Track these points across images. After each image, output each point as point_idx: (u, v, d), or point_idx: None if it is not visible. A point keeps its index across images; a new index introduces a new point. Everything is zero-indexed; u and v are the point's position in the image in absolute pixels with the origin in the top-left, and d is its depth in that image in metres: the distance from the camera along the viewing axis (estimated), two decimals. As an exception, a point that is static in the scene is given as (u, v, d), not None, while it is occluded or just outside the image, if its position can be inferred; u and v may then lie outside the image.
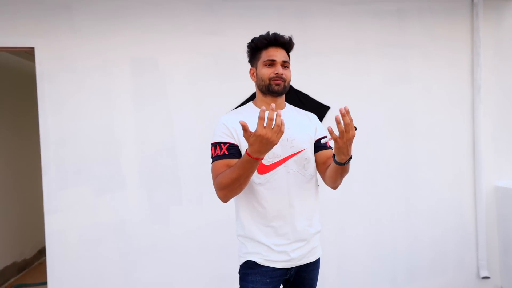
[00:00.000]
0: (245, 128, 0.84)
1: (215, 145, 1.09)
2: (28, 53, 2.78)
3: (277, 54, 1.11)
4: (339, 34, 2.38)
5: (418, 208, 2.51)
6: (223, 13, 2.22)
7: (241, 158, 0.94)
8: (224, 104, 2.17)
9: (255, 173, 1.07)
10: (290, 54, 1.20)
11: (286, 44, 1.14)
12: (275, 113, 0.83)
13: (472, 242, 2.61)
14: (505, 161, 2.63)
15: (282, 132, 0.85)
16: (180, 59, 2.20)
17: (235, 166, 0.96)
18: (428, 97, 2.52)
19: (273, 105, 0.82)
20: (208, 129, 2.20)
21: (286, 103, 1.21)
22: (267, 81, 1.10)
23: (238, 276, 1.20)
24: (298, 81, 2.21)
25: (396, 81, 2.41)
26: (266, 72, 1.10)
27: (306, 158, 1.12)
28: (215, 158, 1.08)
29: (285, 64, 1.12)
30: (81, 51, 2.10)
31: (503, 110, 2.60)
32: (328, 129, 0.88)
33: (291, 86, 2.35)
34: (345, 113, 0.87)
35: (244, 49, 1.21)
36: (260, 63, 1.13)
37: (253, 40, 1.15)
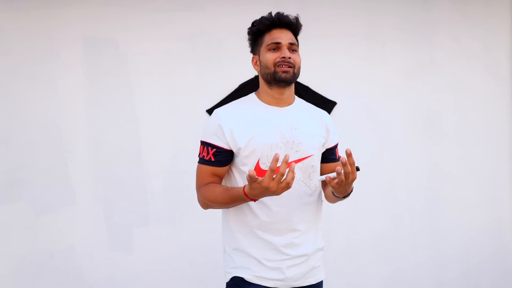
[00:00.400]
0: (252, 179, 0.86)
1: (203, 144, 1.11)
2: None
3: (282, 36, 1.09)
4: (348, 13, 2.23)
5: (445, 231, 2.36)
6: None
7: (235, 190, 1.00)
8: (203, 98, 2.09)
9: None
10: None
11: (292, 25, 1.12)
12: (288, 168, 0.86)
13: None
14: None
15: (289, 188, 0.89)
16: (148, 41, 2.05)
17: (226, 193, 1.02)
18: (458, 91, 2.37)
19: (287, 156, 0.85)
20: (183, 129, 2.12)
21: (296, 96, 1.18)
22: (272, 68, 1.07)
23: None
24: None
25: (418, 71, 2.29)
26: (270, 57, 1.07)
27: (312, 166, 1.10)
28: (200, 160, 1.11)
29: (293, 47, 1.10)
30: (18, 28, 1.93)
31: None
32: (337, 170, 0.90)
33: None
34: (346, 162, 0.89)
35: (229, 31, 1.28)
36: (263, 49, 1.10)
37: (253, 23, 1.13)
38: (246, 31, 1.17)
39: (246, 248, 1.09)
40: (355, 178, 0.94)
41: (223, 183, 1.15)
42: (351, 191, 1.02)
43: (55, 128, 1.95)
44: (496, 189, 2.40)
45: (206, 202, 1.07)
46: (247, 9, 2.09)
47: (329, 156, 1.16)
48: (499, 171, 2.40)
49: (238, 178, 1.10)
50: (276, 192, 0.87)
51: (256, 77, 1.28)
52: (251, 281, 1.08)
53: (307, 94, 2.14)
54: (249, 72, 1.87)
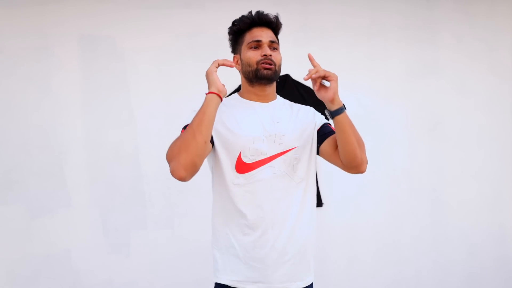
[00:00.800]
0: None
1: (184, 127, 1.06)
2: None
3: (263, 34, 1.11)
4: (350, 10, 2.23)
5: (448, 235, 2.36)
6: None
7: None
8: (202, 97, 1.99)
9: (234, 172, 1.07)
10: (287, 39, 1.27)
11: (272, 23, 1.14)
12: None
13: None
14: None
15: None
16: (145, 38, 2.04)
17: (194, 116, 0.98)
18: (462, 92, 2.37)
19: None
20: (180, 130, 2.04)
21: (278, 95, 1.20)
22: (254, 66, 1.08)
23: None
24: (297, 70, 2.06)
25: (420, 72, 2.29)
26: (252, 56, 1.09)
27: (296, 158, 1.10)
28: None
29: (273, 45, 1.11)
30: (11, 25, 1.91)
31: None
32: (309, 56, 1.00)
33: (289, 77, 2.13)
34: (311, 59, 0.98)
35: (227, 29, 1.18)
36: (244, 47, 1.12)
37: (233, 22, 1.16)
38: None
39: (229, 248, 1.08)
40: (324, 72, 0.95)
41: (211, 164, 1.11)
42: (344, 108, 1.00)
43: (50, 128, 1.92)
44: (499, 193, 2.40)
45: (176, 144, 0.96)
46: (246, 6, 2.11)
47: (324, 132, 1.15)
48: (502, 174, 2.40)
49: (224, 161, 1.06)
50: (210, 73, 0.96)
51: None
52: (233, 286, 1.06)
53: (308, 94, 2.13)
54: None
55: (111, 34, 1.97)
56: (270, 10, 2.35)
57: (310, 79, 0.97)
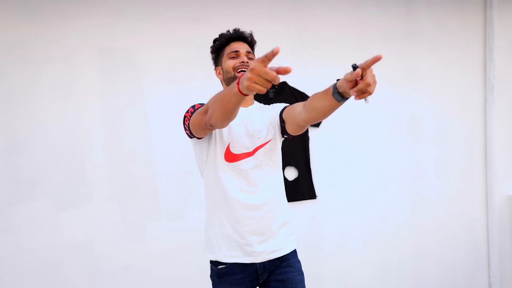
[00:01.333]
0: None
1: (193, 106, 1.14)
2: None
3: (240, 46, 1.20)
4: (340, 24, 2.28)
5: (425, 220, 2.44)
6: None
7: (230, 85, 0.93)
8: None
9: (223, 160, 1.15)
10: (285, 49, 1.22)
11: (247, 38, 1.22)
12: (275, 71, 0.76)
13: (484, 258, 2.55)
14: None
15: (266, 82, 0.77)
16: (158, 50, 2.06)
17: (222, 90, 0.98)
18: (437, 97, 2.44)
19: (277, 48, 0.73)
20: None
21: (255, 101, 1.28)
22: (232, 72, 1.16)
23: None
24: (294, 77, 2.10)
25: (402, 79, 2.34)
26: (230, 63, 1.16)
27: (272, 149, 1.20)
28: (194, 110, 1.11)
29: (250, 56, 1.19)
30: (37, 38, 1.91)
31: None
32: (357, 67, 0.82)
33: (286, 84, 2.21)
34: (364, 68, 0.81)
35: (211, 46, 1.26)
36: (224, 58, 1.20)
37: (214, 40, 1.24)
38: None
39: (222, 228, 1.14)
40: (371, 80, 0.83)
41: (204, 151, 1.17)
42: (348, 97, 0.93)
43: (73, 131, 1.95)
44: (470, 186, 2.48)
45: (212, 109, 0.96)
46: (247, 21, 2.07)
47: (286, 110, 1.17)
48: (472, 170, 2.48)
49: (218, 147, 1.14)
50: (253, 69, 0.74)
51: None
52: (225, 261, 1.14)
53: (303, 99, 2.14)
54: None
55: (127, 46, 2.00)
56: (269, 25, 2.41)
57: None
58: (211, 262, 1.20)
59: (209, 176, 1.19)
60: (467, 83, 2.45)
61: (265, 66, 0.73)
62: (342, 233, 2.26)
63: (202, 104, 1.13)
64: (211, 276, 1.22)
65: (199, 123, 1.05)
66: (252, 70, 0.74)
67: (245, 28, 1.36)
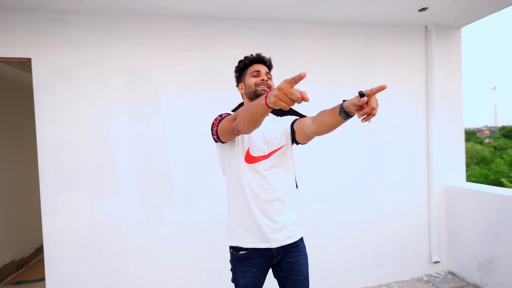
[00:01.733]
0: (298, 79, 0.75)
1: (220, 115, 1.14)
2: (24, 64, 2.71)
3: (261, 67, 1.23)
4: (317, 54, 2.47)
5: (382, 205, 2.66)
6: (211, 30, 2.26)
7: (258, 99, 0.95)
8: (212, 112, 2.08)
9: (243, 162, 1.15)
10: (274, 73, 1.33)
11: (267, 62, 1.26)
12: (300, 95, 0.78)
13: (425, 233, 2.76)
14: (452, 164, 2.79)
15: (293, 102, 0.78)
16: (172, 71, 2.21)
17: (251, 102, 0.97)
18: (390, 110, 2.66)
19: (304, 73, 0.75)
20: (197, 136, 2.28)
21: (270, 113, 1.29)
22: (254, 87, 1.18)
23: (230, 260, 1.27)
24: None
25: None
26: (253, 80, 1.20)
27: (284, 153, 1.21)
28: (221, 119, 1.12)
29: (268, 76, 1.23)
30: (77, 62, 2.08)
31: (450, 121, 2.77)
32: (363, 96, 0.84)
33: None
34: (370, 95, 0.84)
35: (230, 64, 1.32)
36: (247, 76, 1.22)
37: (240, 61, 1.26)
38: (241, 64, 1.27)
39: (242, 219, 1.15)
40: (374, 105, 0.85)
41: (227, 152, 1.18)
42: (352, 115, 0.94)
43: (106, 135, 2.11)
44: (416, 178, 2.71)
45: (241, 117, 0.97)
46: (244, 49, 2.23)
47: (296, 122, 1.22)
48: (418, 165, 2.72)
49: (239, 148, 1.15)
50: (281, 88, 0.75)
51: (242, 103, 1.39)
52: (244, 247, 1.16)
53: (288, 112, 2.28)
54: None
55: (147, 68, 2.16)
56: (260, 50, 2.55)
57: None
58: (233, 248, 1.21)
59: (231, 175, 1.19)
60: (413, 97, 2.68)
61: (292, 87, 0.74)
62: (317, 216, 2.46)
63: (228, 114, 1.15)
64: (232, 260, 1.23)
65: (227, 128, 1.06)
66: (280, 88, 0.74)
67: (239, 54, 1.42)
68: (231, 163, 1.17)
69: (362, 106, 0.84)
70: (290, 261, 1.20)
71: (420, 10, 2.40)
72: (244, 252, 1.17)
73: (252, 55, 1.25)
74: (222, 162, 1.22)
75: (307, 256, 1.26)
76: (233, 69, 1.33)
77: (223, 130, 1.09)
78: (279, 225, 1.16)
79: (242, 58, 1.26)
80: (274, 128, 1.23)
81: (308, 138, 1.17)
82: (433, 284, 2.60)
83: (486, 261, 2.47)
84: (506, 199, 2.31)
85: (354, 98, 0.85)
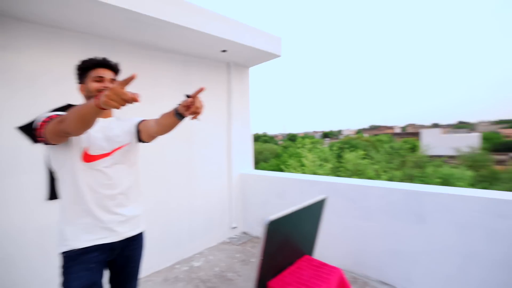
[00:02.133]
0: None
1: (49, 117, 1.03)
2: None
3: (106, 73, 1.17)
4: (142, 73, 2.63)
5: (196, 191, 3.12)
6: (17, 32, 2.03)
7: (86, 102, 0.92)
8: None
9: (80, 161, 1.09)
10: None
11: (114, 67, 1.20)
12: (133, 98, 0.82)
13: (227, 208, 3.37)
14: (245, 158, 3.55)
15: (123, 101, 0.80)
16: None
17: (78, 105, 0.93)
18: (206, 121, 3.16)
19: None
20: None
21: (114, 115, 1.30)
22: (95, 93, 1.12)
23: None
24: (145, 107, 2.50)
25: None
26: (94, 85, 1.14)
27: (128, 150, 1.21)
28: (48, 122, 1.02)
29: (113, 83, 1.17)
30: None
31: (243, 128, 3.47)
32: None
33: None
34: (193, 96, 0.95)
35: (78, 64, 1.18)
36: (89, 80, 1.16)
37: (83, 61, 1.18)
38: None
39: (78, 219, 1.10)
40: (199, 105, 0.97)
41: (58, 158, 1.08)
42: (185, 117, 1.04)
43: None
44: (221, 169, 3.24)
45: (70, 119, 0.92)
46: (58, 58, 2.12)
47: (142, 123, 1.24)
48: (222, 160, 3.30)
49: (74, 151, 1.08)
50: (113, 89, 0.76)
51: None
52: (78, 247, 1.09)
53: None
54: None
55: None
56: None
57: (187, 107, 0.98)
58: (66, 252, 1.10)
59: (66, 175, 1.11)
60: (220, 112, 3.28)
61: (123, 88, 0.75)
62: (188, 204, 2.86)
63: (58, 115, 1.04)
64: (64, 264, 1.11)
65: (55, 131, 0.99)
66: (111, 89, 0.75)
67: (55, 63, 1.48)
68: (67, 164, 1.11)
69: (189, 106, 0.96)
70: (127, 254, 1.20)
71: (222, 51, 3.11)
72: (78, 248, 1.11)
73: (97, 57, 1.18)
74: (55, 164, 1.13)
75: (143, 248, 1.28)
76: (76, 76, 1.22)
77: (51, 133, 1.03)
78: (123, 217, 1.16)
79: (86, 59, 1.18)
80: (118, 127, 1.22)
81: (151, 137, 1.20)
82: (232, 243, 3.25)
83: (261, 220, 3.50)
84: (271, 179, 3.32)
85: (183, 101, 0.97)
